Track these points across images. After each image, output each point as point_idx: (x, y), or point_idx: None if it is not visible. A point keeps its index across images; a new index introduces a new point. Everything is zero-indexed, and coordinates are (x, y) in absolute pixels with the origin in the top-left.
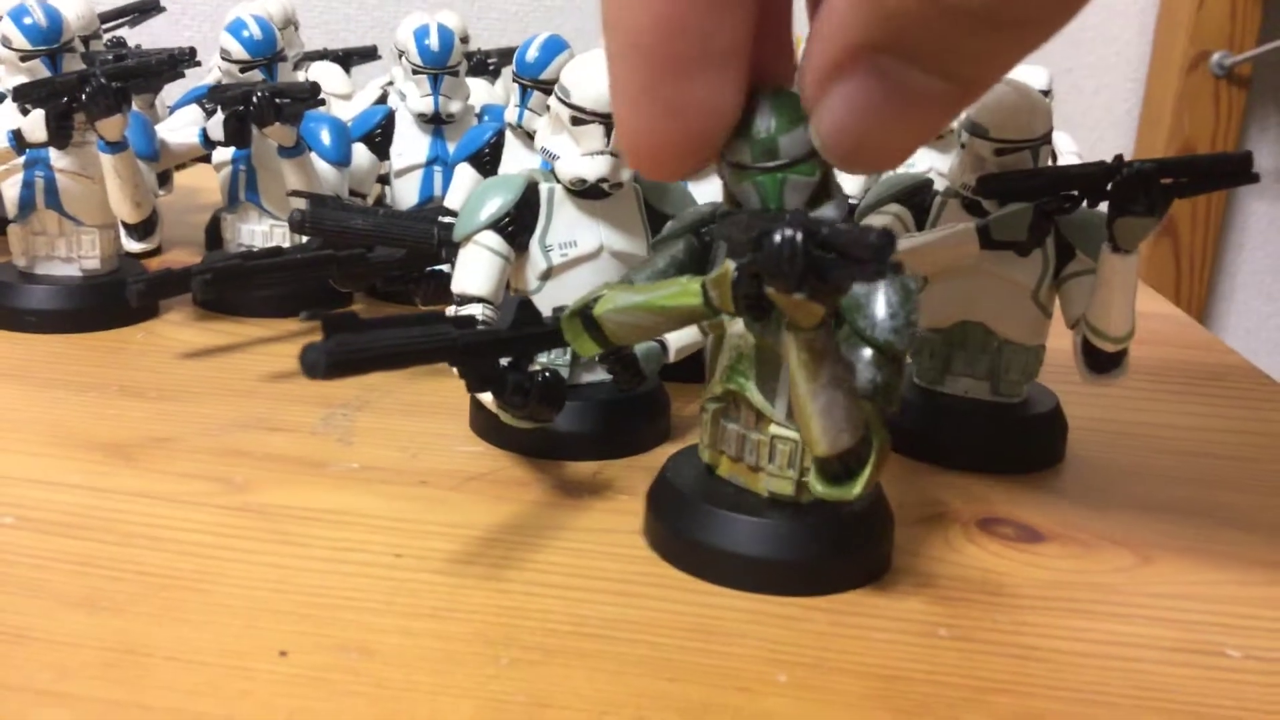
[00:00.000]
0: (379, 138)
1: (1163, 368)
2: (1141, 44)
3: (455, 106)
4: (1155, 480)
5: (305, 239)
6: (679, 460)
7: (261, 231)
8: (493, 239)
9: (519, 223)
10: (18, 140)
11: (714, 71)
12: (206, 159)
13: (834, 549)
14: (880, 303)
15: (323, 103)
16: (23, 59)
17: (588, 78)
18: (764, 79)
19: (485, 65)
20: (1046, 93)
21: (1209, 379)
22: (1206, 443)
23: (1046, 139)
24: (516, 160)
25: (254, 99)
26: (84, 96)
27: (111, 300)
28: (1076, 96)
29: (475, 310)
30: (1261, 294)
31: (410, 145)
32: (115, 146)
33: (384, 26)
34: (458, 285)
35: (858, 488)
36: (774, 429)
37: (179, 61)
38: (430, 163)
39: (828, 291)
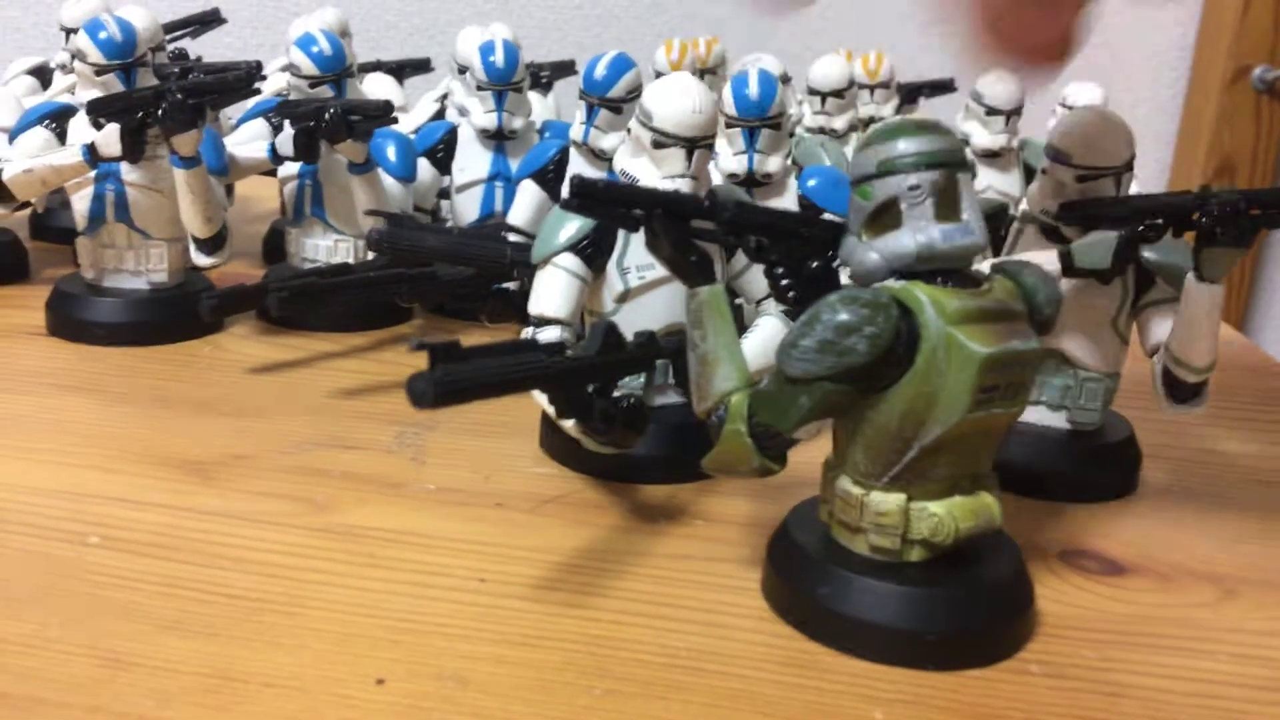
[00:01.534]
0: (441, 153)
1: (1225, 392)
2: (1182, 58)
3: (518, 123)
4: (1230, 510)
5: (372, 255)
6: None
7: (326, 246)
8: (571, 261)
9: (597, 245)
10: (92, 154)
11: None
12: (272, 172)
13: (967, 622)
14: (800, 320)
15: (395, 120)
16: (97, 73)
17: (670, 101)
18: None
19: (538, 79)
20: None
21: (1271, 404)
22: (1275, 472)
23: (1129, 166)
24: None
25: (327, 116)
26: (161, 112)
27: (178, 313)
28: (1116, 111)
29: (553, 333)
30: None
31: (472, 161)
32: (189, 162)
33: (423, 34)
34: (535, 307)
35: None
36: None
37: (254, 78)
38: (492, 178)
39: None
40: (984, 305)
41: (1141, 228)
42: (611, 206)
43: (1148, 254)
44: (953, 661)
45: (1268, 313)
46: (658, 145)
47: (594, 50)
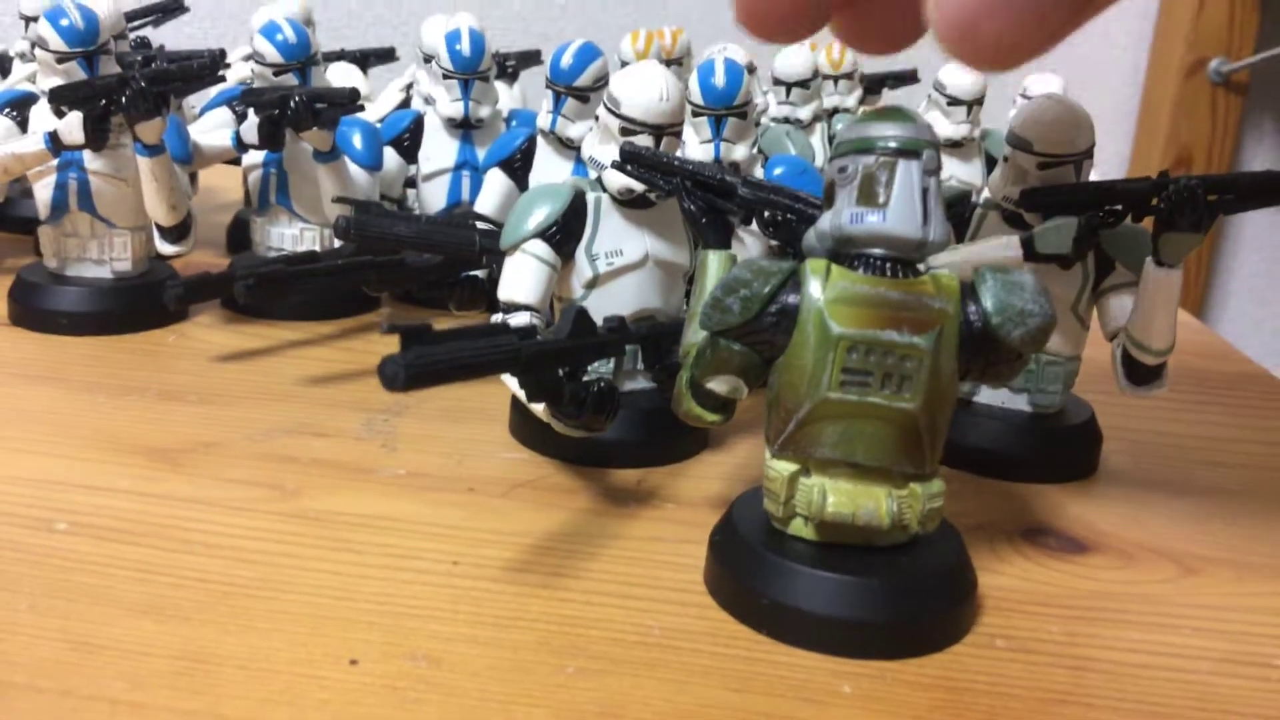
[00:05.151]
0: (407, 141)
1: (1182, 376)
2: (1139, 50)
3: (485, 111)
4: (1188, 490)
5: (338, 243)
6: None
7: (292, 235)
8: (540, 247)
9: (566, 231)
10: (54, 142)
11: None
12: (235, 161)
13: (911, 611)
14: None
15: (362, 108)
16: (59, 61)
17: (637, 89)
18: None
19: (505, 68)
20: None
21: (1228, 388)
22: (1232, 453)
23: (1089, 153)
24: (548, 166)
25: (292, 103)
26: (124, 99)
27: (143, 302)
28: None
29: (523, 318)
30: (1255, 299)
31: (439, 149)
32: (153, 150)
33: (386, 24)
34: (505, 293)
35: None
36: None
37: (218, 66)
38: (459, 167)
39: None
40: (883, 292)
41: (1101, 214)
42: (651, 171)
43: (1107, 239)
44: (889, 650)
45: (1223, 309)
46: (625, 133)
47: (559, 40)
